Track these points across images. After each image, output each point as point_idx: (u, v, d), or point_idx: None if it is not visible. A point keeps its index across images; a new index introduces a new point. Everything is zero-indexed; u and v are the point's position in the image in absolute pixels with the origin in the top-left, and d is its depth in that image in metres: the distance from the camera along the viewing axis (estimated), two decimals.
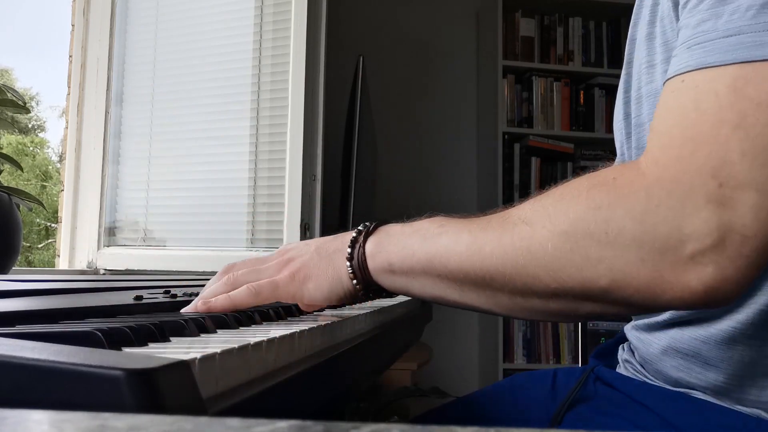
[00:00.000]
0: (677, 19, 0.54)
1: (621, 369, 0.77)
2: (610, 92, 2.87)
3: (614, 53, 2.89)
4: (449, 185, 2.88)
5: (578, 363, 1.31)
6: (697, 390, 0.61)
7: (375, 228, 0.59)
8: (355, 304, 0.63)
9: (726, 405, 0.59)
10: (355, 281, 0.59)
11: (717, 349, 0.59)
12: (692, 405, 0.60)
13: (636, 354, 0.71)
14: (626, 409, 0.66)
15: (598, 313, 0.50)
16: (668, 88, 0.50)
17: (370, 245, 0.58)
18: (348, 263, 0.58)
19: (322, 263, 0.60)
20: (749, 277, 0.44)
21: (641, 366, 0.71)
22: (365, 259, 0.58)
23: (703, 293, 0.44)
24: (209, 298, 0.59)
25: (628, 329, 0.73)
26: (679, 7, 0.53)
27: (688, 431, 0.57)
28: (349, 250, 0.58)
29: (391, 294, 0.61)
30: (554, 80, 2.84)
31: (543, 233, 0.48)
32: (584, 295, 0.48)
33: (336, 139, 1.99)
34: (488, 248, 0.51)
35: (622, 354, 0.77)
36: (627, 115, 0.67)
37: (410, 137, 2.87)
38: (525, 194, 2.75)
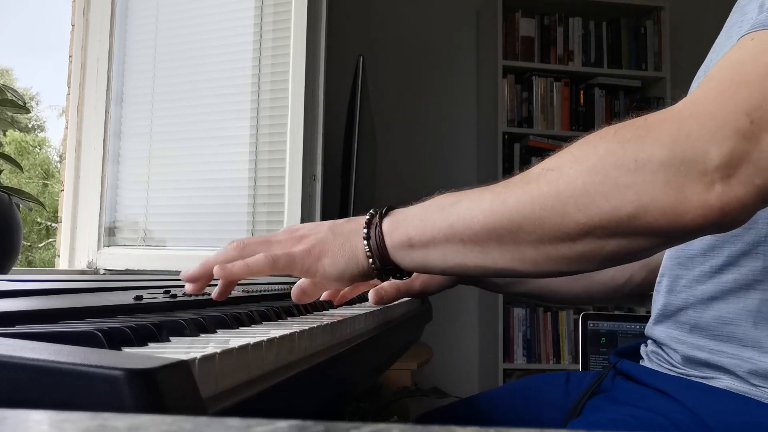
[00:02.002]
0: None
1: (646, 362, 0.76)
2: (610, 92, 2.87)
3: (614, 53, 2.90)
4: (449, 185, 2.85)
5: (578, 363, 1.31)
6: (724, 375, 0.63)
7: (387, 211, 0.61)
8: (369, 280, 0.63)
9: (749, 393, 0.60)
10: (371, 260, 0.59)
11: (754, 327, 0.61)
12: (716, 394, 0.61)
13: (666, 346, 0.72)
14: (647, 399, 0.67)
15: (624, 250, 0.51)
16: (737, 44, 0.53)
17: (387, 224, 0.59)
18: (365, 242, 0.59)
19: (338, 241, 0.60)
20: (756, 207, 0.49)
21: (669, 355, 0.71)
22: (383, 238, 0.58)
23: (719, 211, 0.47)
24: (211, 263, 0.59)
25: (654, 329, 0.74)
26: None
27: (708, 418, 0.58)
28: (365, 230, 0.59)
29: (403, 274, 0.62)
30: (554, 80, 2.84)
31: (571, 173, 0.50)
32: (610, 228, 0.49)
33: (336, 139, 1.99)
34: (513, 199, 0.52)
35: (646, 349, 0.77)
36: None
37: (410, 137, 2.87)
38: None
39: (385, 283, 0.81)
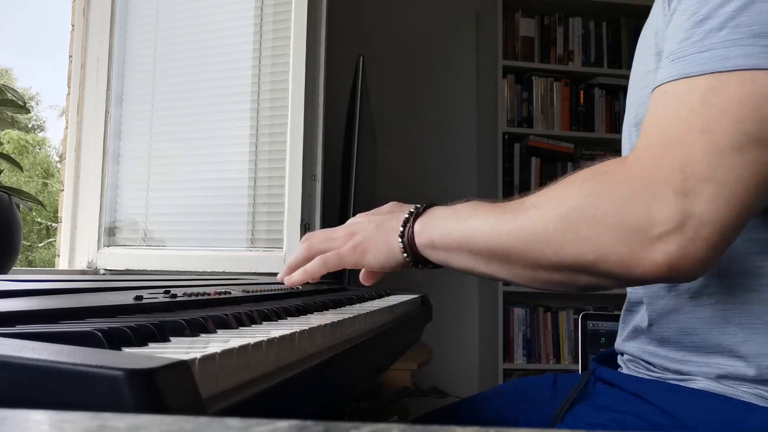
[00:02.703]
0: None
1: (624, 370, 0.78)
2: (610, 92, 2.87)
3: (614, 53, 2.90)
4: (449, 185, 2.88)
5: (578, 363, 1.32)
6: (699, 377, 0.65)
7: (424, 210, 0.71)
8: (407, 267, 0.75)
9: (726, 393, 0.62)
10: (405, 255, 0.70)
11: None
12: (691, 395, 0.63)
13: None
14: (625, 403, 0.68)
15: (594, 284, 0.59)
16: (655, 96, 0.58)
17: (418, 226, 0.69)
18: (400, 240, 0.70)
19: (380, 238, 0.72)
20: (711, 257, 0.52)
21: (644, 365, 0.72)
22: (413, 237, 0.69)
23: (667, 268, 0.52)
24: (292, 266, 0.76)
25: (625, 345, 0.77)
26: (669, 24, 0.61)
27: (685, 419, 0.61)
28: (401, 229, 0.70)
29: (436, 266, 0.71)
30: (554, 80, 2.84)
31: (546, 216, 0.57)
32: (578, 268, 0.57)
33: (336, 139, 1.99)
34: (505, 228, 0.61)
35: (622, 358, 0.79)
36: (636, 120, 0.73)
37: (410, 137, 2.87)
38: (525, 194, 2.74)
39: None
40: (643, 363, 0.73)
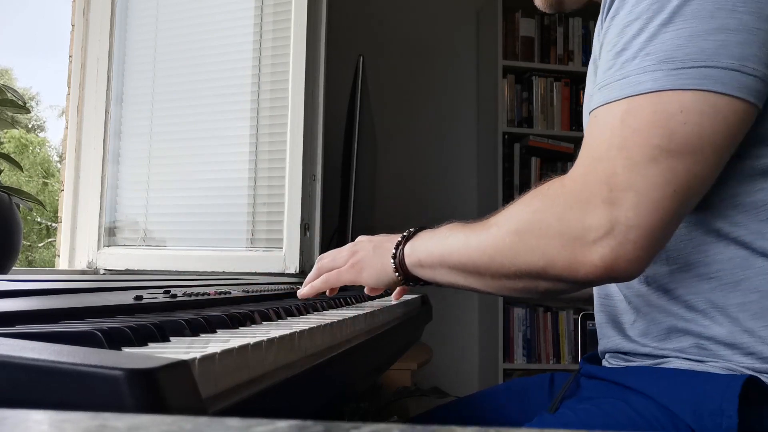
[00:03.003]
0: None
1: (606, 364, 0.82)
2: None
3: None
4: (449, 185, 2.88)
5: (578, 363, 1.32)
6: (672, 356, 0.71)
7: (414, 233, 0.80)
8: (399, 286, 0.88)
9: (700, 369, 0.67)
10: (397, 273, 0.80)
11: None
12: (665, 375, 0.69)
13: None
14: (607, 392, 0.73)
15: (553, 289, 0.66)
16: (589, 120, 0.66)
17: (408, 248, 0.79)
18: (392, 261, 0.80)
19: (375, 258, 0.82)
20: (642, 257, 0.59)
21: (624, 353, 0.77)
22: (404, 258, 0.79)
23: (604, 269, 0.60)
24: (306, 282, 0.89)
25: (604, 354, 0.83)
26: (600, 56, 0.69)
27: (660, 397, 0.66)
28: (393, 251, 0.80)
29: (426, 283, 0.81)
30: (554, 80, 2.84)
31: (503, 232, 0.67)
32: (533, 275, 0.65)
33: (336, 139, 1.99)
34: (473, 244, 0.70)
35: (605, 357, 0.83)
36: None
37: (410, 137, 2.87)
38: None
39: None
40: (622, 356, 0.77)
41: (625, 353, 0.76)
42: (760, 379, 0.63)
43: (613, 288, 0.79)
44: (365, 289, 0.89)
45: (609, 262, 0.59)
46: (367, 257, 0.83)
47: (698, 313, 0.68)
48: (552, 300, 2.81)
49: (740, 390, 0.60)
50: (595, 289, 0.85)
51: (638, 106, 0.60)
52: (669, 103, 0.59)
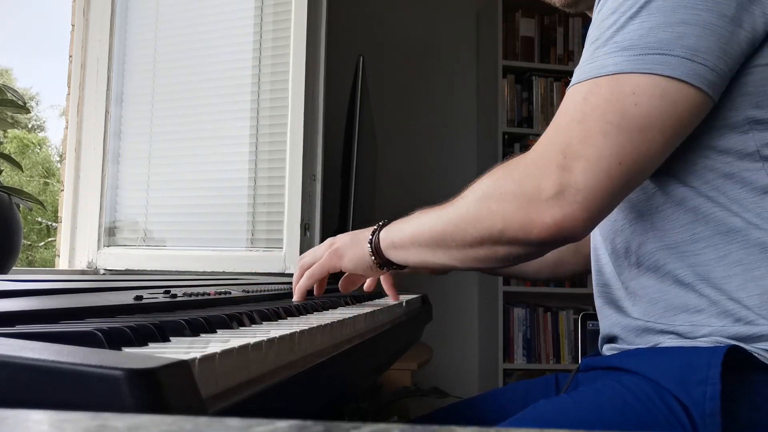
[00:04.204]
0: None
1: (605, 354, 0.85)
2: None
3: None
4: (449, 185, 2.87)
5: (578, 363, 1.33)
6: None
7: (388, 222, 0.86)
8: (376, 275, 0.93)
9: (685, 345, 0.71)
10: (373, 257, 0.85)
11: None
12: (657, 353, 0.72)
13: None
14: (603, 376, 0.76)
15: (509, 254, 0.71)
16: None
17: (383, 233, 0.85)
18: (369, 246, 0.85)
19: (352, 245, 0.88)
20: (587, 218, 0.65)
21: (622, 339, 0.80)
22: (379, 242, 0.84)
23: (554, 227, 0.66)
24: (294, 286, 0.91)
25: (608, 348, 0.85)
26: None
27: (649, 372, 0.69)
28: (370, 236, 0.85)
29: (398, 267, 0.86)
30: (554, 80, 2.84)
31: (468, 201, 0.73)
32: (493, 239, 0.70)
33: (336, 139, 1.99)
34: (443, 218, 0.75)
35: (604, 348, 0.86)
36: None
37: (410, 137, 2.87)
38: None
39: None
40: (621, 340, 0.80)
41: (624, 337, 0.79)
42: (743, 347, 0.66)
43: (611, 276, 0.82)
44: (341, 283, 0.96)
45: (559, 221, 0.65)
46: (345, 245, 0.88)
47: (686, 287, 0.72)
48: (553, 298, 2.82)
49: (723, 359, 0.63)
50: (594, 279, 0.87)
51: (599, 86, 0.66)
52: (624, 84, 0.65)
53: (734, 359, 0.64)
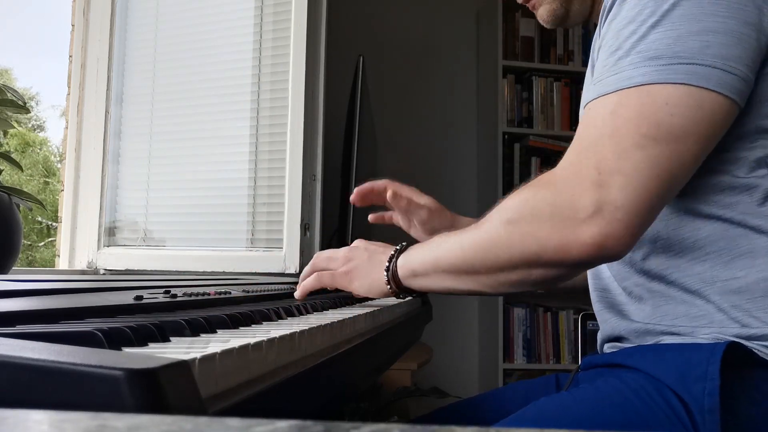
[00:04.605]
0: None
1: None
2: None
3: None
4: (449, 185, 2.88)
5: (578, 363, 1.33)
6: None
7: (406, 247, 0.82)
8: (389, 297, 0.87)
9: (690, 341, 0.71)
10: (389, 286, 0.82)
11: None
12: (657, 350, 0.72)
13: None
14: (604, 373, 0.76)
15: (546, 277, 0.69)
16: (583, 113, 0.70)
17: (401, 260, 0.81)
18: (385, 273, 0.81)
19: (368, 269, 0.83)
20: (628, 235, 0.63)
21: (623, 337, 0.80)
22: (396, 270, 0.81)
23: (594, 247, 0.63)
24: (301, 280, 0.88)
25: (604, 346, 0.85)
26: (598, 57, 0.73)
27: (650, 369, 0.69)
28: (387, 264, 0.82)
29: (419, 294, 0.84)
30: (554, 80, 2.84)
31: (496, 224, 0.70)
32: (527, 262, 0.68)
33: (336, 139, 1.99)
34: (467, 243, 0.72)
35: (603, 347, 0.86)
36: None
37: (410, 137, 2.87)
38: None
39: None
40: (621, 339, 0.80)
41: (624, 337, 0.79)
42: (742, 344, 0.66)
43: (610, 282, 0.82)
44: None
45: (598, 241, 0.63)
46: (361, 266, 0.84)
47: (693, 293, 0.71)
48: (553, 298, 2.82)
49: (722, 355, 0.63)
50: (591, 284, 0.87)
51: (628, 98, 0.65)
52: (657, 95, 0.64)
53: (734, 355, 0.64)
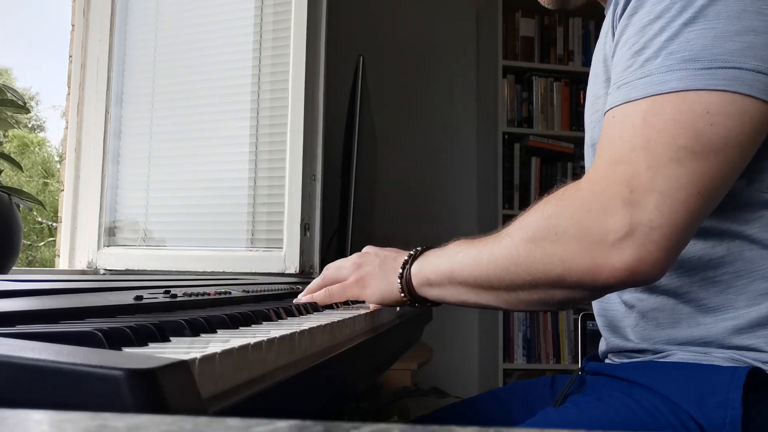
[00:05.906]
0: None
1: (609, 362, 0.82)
2: None
3: None
4: (449, 185, 2.88)
5: (578, 363, 1.33)
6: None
7: (421, 252, 0.78)
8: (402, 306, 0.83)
9: (705, 360, 0.68)
10: (402, 294, 0.78)
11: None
12: (669, 368, 0.68)
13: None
14: (612, 387, 0.73)
15: (569, 298, 0.64)
16: (605, 120, 0.64)
17: (415, 267, 0.77)
18: (398, 281, 0.77)
19: (380, 276, 0.79)
20: (664, 259, 0.58)
21: (629, 351, 0.77)
22: (410, 278, 0.76)
23: (626, 272, 0.58)
24: (309, 291, 0.83)
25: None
26: (614, 53, 0.67)
27: (664, 390, 0.66)
28: (400, 270, 0.77)
29: (433, 303, 0.79)
30: (554, 80, 2.84)
31: (516, 241, 0.65)
32: (550, 283, 0.63)
33: (336, 139, 1.99)
34: (485, 258, 0.68)
35: (609, 356, 0.83)
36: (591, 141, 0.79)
37: (410, 137, 2.87)
38: (525, 194, 2.75)
39: None
40: (625, 354, 0.77)
41: (628, 351, 0.76)
42: (763, 369, 0.63)
43: (611, 294, 0.79)
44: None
45: (631, 265, 0.58)
46: (372, 273, 0.80)
47: (707, 313, 0.67)
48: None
49: (744, 381, 0.60)
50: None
51: (662, 105, 0.59)
52: (695, 103, 0.58)
53: (752, 381, 0.61)
